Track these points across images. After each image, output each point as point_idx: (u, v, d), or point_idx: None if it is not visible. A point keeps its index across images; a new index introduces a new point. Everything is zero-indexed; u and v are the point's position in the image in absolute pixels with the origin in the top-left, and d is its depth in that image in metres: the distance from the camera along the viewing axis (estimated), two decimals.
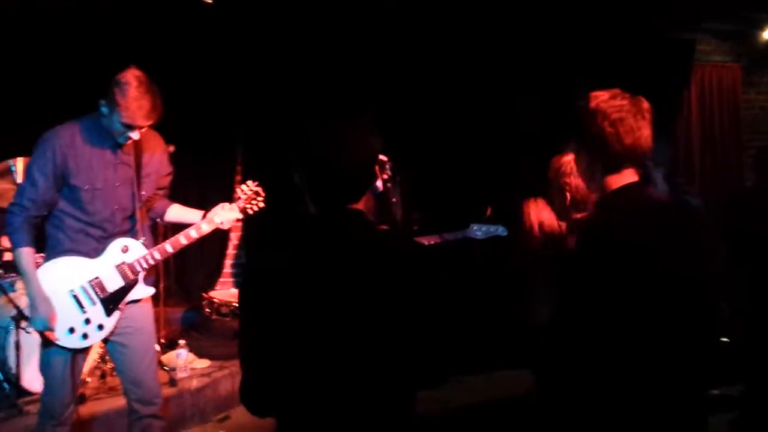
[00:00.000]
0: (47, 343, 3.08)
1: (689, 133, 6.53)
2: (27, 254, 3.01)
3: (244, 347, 1.74)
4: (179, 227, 3.38)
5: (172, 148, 4.94)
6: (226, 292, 5.93)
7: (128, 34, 5.51)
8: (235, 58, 6.04)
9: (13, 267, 4.70)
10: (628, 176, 2.00)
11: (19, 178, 4.59)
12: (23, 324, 4.11)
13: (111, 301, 3.12)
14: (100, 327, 3.12)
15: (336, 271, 1.65)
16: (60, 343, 3.05)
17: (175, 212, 3.44)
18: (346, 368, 1.64)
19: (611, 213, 1.99)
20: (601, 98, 2.01)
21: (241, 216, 3.38)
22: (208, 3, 5.17)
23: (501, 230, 4.71)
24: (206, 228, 3.28)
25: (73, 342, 3.08)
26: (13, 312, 4.14)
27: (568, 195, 2.58)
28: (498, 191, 5.50)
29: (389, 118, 1.81)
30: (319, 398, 1.66)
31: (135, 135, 3.04)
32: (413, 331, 1.65)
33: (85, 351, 3.22)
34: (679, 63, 6.24)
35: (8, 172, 4.66)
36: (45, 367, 3.12)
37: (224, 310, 5.37)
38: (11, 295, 4.30)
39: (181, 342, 4.91)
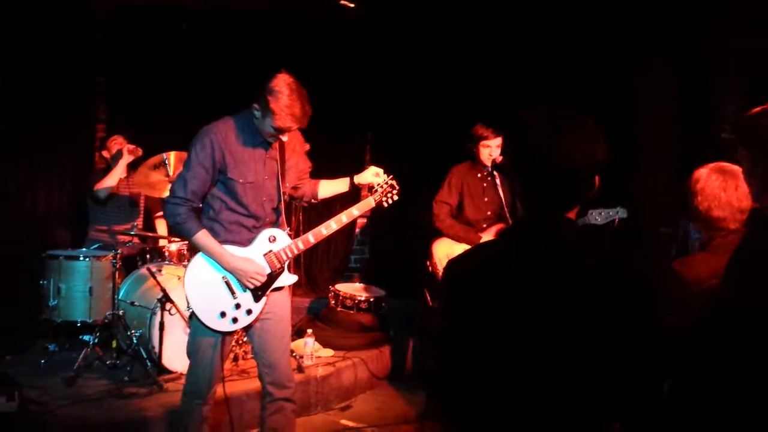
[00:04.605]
0: (198, 327, 3.25)
1: None
2: (204, 236, 3.17)
3: (440, 339, 1.70)
4: (321, 219, 3.53)
5: (307, 147, 5.16)
6: (350, 285, 6.05)
7: (273, 38, 5.78)
8: (367, 61, 6.20)
9: (161, 253, 5.05)
10: None
11: (172, 171, 4.88)
12: (168, 306, 4.38)
13: (259, 288, 3.27)
14: (249, 312, 3.27)
15: (537, 280, 1.56)
16: (211, 326, 3.21)
17: (326, 189, 3.59)
18: (543, 383, 1.55)
19: None
20: None
21: (374, 204, 3.54)
22: (351, 6, 5.31)
23: (621, 212, 4.42)
24: (345, 219, 3.44)
25: (224, 326, 3.23)
26: (160, 294, 4.41)
27: (692, 210, 2.56)
28: (617, 176, 5.27)
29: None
30: (509, 412, 1.59)
31: (284, 137, 3.21)
32: (621, 359, 1.54)
33: (231, 335, 3.39)
34: None
35: (162, 165, 4.92)
36: (194, 349, 3.28)
37: (348, 303, 5.48)
38: (159, 278, 4.56)
39: (309, 331, 5.06)
